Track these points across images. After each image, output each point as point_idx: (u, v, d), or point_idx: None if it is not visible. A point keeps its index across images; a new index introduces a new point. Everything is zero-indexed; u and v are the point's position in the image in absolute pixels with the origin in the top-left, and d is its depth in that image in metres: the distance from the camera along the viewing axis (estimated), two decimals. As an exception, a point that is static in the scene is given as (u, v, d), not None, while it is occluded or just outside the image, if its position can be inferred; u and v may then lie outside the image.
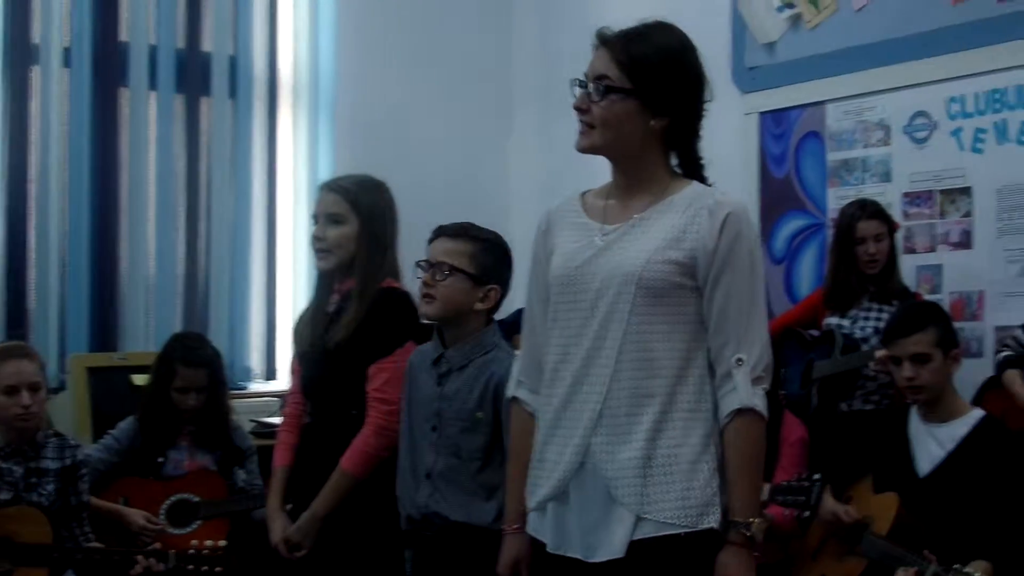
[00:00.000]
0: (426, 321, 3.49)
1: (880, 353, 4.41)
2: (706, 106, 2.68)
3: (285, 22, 6.33)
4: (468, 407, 3.30)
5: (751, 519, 2.52)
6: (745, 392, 2.53)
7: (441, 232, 3.43)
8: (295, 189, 6.30)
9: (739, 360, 2.54)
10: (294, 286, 6.27)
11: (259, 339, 6.20)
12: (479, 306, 3.37)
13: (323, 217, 3.70)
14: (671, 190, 2.63)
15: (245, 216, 6.12)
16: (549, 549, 2.63)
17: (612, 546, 2.52)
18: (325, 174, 6.04)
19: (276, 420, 5.51)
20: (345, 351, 3.58)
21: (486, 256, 3.39)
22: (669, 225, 2.58)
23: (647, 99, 2.57)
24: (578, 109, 2.63)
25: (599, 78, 2.59)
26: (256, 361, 6.18)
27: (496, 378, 3.27)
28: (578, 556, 2.56)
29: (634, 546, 2.50)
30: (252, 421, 5.48)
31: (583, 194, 2.79)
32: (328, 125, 6.33)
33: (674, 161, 2.70)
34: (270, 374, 6.21)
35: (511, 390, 2.89)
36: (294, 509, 3.68)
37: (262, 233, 6.22)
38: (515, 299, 3.62)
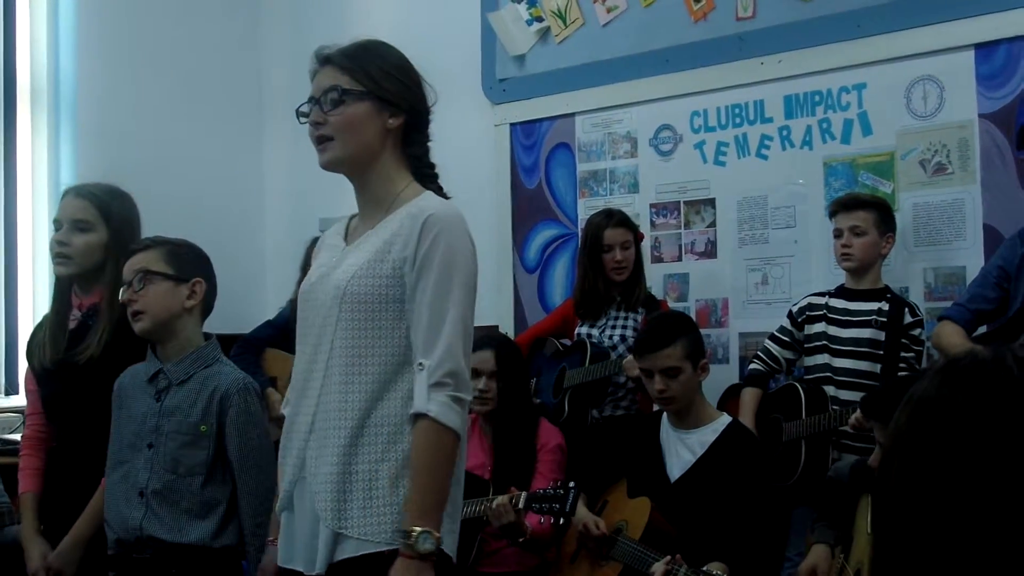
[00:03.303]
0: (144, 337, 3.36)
1: (627, 361, 4.52)
2: (432, 110, 2.72)
3: (22, 24, 6.08)
4: (191, 420, 3.21)
5: (414, 528, 2.42)
6: (420, 397, 2.47)
7: (130, 252, 3.37)
8: (34, 196, 6.04)
9: (419, 365, 2.49)
10: (34, 297, 6.01)
11: (-3, 352, 5.93)
12: (189, 303, 3.30)
13: (68, 223, 3.55)
14: (401, 200, 2.64)
15: (-20, 224, 5.85)
16: (279, 563, 2.65)
17: (319, 562, 2.50)
18: (67, 181, 5.81)
19: (18, 436, 5.31)
20: (98, 366, 3.43)
21: (179, 255, 3.33)
22: (382, 237, 2.59)
23: (381, 97, 2.61)
24: (313, 124, 2.63)
25: (329, 90, 2.61)
26: (-6, 375, 5.91)
27: (221, 390, 3.23)
28: (301, 569, 2.56)
29: (340, 564, 2.49)
30: (-9, 438, 5.26)
31: (352, 217, 2.79)
32: (70, 131, 6.09)
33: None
34: (10, 389, 5.94)
35: (282, 408, 2.83)
36: (50, 534, 3.50)
37: (-1, 244, 5.95)
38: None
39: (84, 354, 3.46)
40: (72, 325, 3.58)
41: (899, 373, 4.18)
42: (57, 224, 3.60)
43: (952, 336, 3.97)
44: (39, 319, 5.94)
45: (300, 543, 2.57)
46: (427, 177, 2.71)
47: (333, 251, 2.71)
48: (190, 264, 3.34)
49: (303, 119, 2.66)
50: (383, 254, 2.55)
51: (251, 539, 3.17)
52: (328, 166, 2.65)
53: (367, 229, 2.65)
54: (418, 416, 2.47)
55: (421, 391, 2.47)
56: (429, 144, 2.73)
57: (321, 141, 2.62)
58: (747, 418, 4.41)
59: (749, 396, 4.53)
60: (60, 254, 3.55)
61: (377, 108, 2.61)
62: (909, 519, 1.31)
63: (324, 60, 2.67)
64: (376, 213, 2.65)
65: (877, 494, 1.40)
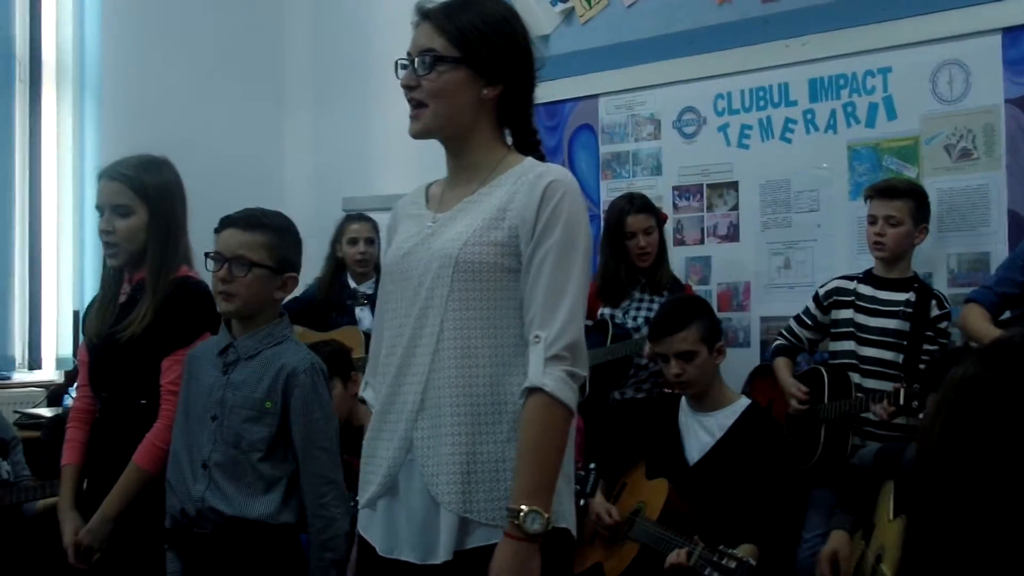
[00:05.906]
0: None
1: (648, 346, 4.52)
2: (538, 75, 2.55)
3: (48, 3, 6.11)
4: (256, 395, 3.19)
5: (521, 507, 2.25)
6: (535, 370, 2.30)
7: (230, 223, 3.27)
8: (59, 175, 6.08)
9: (536, 337, 2.32)
10: (58, 274, 6.06)
11: (21, 328, 5.98)
12: (278, 294, 3.30)
13: (108, 209, 3.49)
14: (502, 167, 2.48)
15: (6, 202, 5.89)
16: (380, 552, 2.45)
17: (441, 550, 2.34)
18: (92, 160, 5.85)
19: (41, 411, 5.37)
20: (139, 343, 3.40)
21: (282, 245, 3.28)
22: (493, 204, 2.42)
23: (477, 66, 2.44)
24: (406, 87, 2.46)
25: (424, 52, 2.43)
26: (19, 351, 5.96)
27: (288, 368, 3.18)
28: (411, 559, 2.39)
29: (468, 553, 2.32)
30: (16, 412, 5.32)
31: (429, 185, 2.64)
32: (94, 109, 6.13)
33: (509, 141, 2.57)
34: (34, 364, 6.00)
35: (360, 391, 2.71)
36: (89, 508, 3.45)
37: (24, 219, 5.99)
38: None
39: (126, 332, 3.42)
40: (123, 299, 3.55)
41: (920, 365, 4.17)
42: (100, 210, 3.54)
43: (978, 320, 3.96)
44: (63, 296, 6.06)
45: (408, 531, 2.40)
46: (528, 145, 2.55)
47: (418, 220, 2.54)
48: (289, 257, 3.30)
49: (400, 73, 2.47)
50: (496, 221, 2.39)
51: (313, 519, 3.14)
52: (419, 135, 2.48)
53: (464, 195, 2.49)
54: (531, 390, 2.30)
55: (536, 364, 2.30)
56: (533, 110, 2.56)
57: (415, 106, 2.46)
58: (786, 379, 4.44)
59: (782, 363, 4.54)
60: (108, 243, 3.52)
61: (473, 76, 2.44)
62: (949, 498, 1.31)
63: (423, 15, 2.48)
64: (472, 179, 2.50)
65: (915, 473, 1.40)
